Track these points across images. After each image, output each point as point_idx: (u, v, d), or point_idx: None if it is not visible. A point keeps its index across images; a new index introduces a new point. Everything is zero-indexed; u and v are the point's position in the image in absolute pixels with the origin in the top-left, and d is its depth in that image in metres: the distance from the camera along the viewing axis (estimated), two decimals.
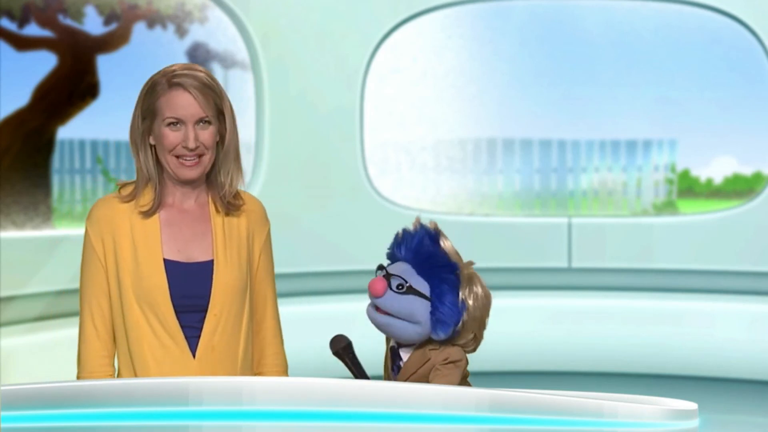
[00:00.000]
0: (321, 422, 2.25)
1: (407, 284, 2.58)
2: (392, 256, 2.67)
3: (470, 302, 2.59)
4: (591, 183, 7.49)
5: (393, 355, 2.65)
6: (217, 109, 2.78)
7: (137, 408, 2.25)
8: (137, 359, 2.76)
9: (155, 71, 2.82)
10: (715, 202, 7.42)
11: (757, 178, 7.20)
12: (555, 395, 2.28)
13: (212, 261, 2.79)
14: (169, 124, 2.74)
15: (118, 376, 2.79)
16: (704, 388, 6.25)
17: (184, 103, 2.73)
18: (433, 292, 2.58)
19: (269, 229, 2.93)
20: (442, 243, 2.63)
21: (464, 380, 2.65)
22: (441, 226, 2.72)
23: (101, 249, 2.78)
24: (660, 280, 6.63)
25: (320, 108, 6.50)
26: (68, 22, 6.53)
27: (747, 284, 6.55)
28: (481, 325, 2.65)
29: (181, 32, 6.78)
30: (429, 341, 2.61)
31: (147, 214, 2.78)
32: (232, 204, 2.84)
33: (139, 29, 6.67)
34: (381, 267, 2.64)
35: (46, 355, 5.48)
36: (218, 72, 7.01)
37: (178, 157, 2.75)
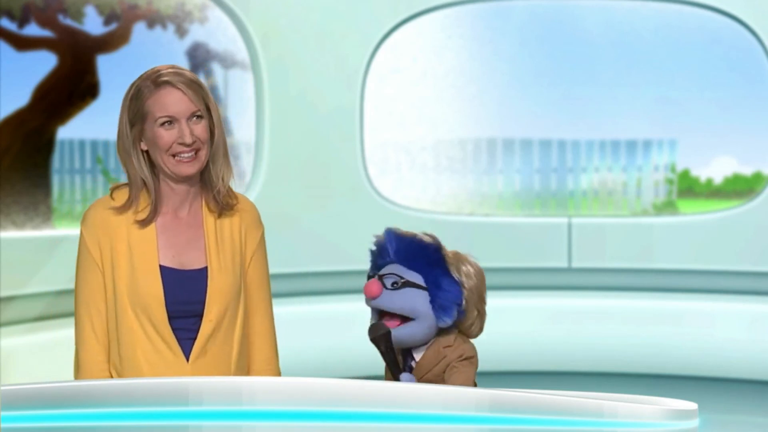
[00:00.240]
0: (321, 422, 2.25)
1: (402, 279, 2.58)
2: (376, 267, 2.67)
3: (464, 279, 2.60)
4: (591, 183, 7.49)
5: (405, 356, 2.65)
6: (205, 104, 2.78)
7: (137, 408, 2.25)
8: (131, 364, 2.76)
9: None
10: (715, 202, 7.42)
11: (757, 178, 7.19)
12: (555, 395, 2.28)
13: (206, 268, 2.79)
14: (162, 124, 2.74)
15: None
16: (704, 388, 6.24)
17: (174, 100, 2.73)
18: (427, 280, 2.59)
19: (263, 233, 2.92)
20: (414, 234, 2.65)
21: None
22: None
23: (98, 253, 2.77)
24: (660, 280, 6.62)
25: (320, 108, 6.50)
26: (68, 22, 6.53)
27: (747, 284, 6.55)
28: (481, 299, 2.66)
29: (181, 32, 6.78)
30: (441, 338, 2.61)
31: (145, 222, 2.78)
32: (225, 203, 2.84)
33: (139, 29, 6.67)
34: (371, 275, 2.65)
35: (46, 355, 5.48)
36: (218, 72, 7.01)
37: (174, 155, 2.75)
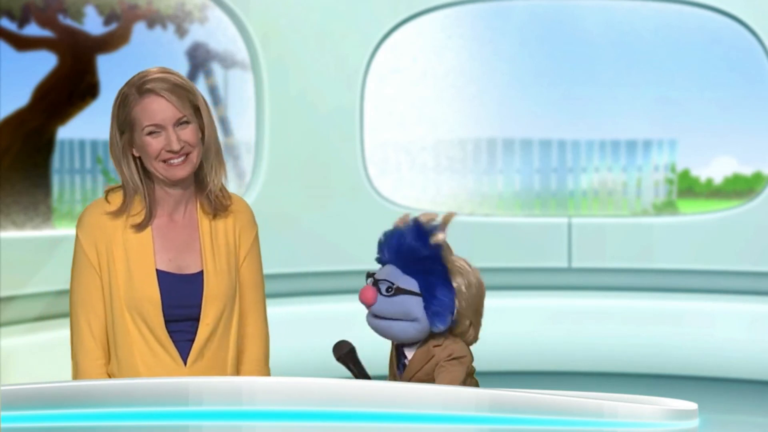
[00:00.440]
0: (321, 422, 2.25)
1: (395, 285, 2.59)
2: (379, 261, 2.68)
3: (464, 290, 2.60)
4: (591, 183, 7.49)
5: (398, 353, 2.66)
6: (193, 106, 2.77)
7: (137, 408, 2.25)
8: (128, 367, 2.76)
9: None
10: (715, 202, 7.42)
11: (757, 178, 7.19)
12: (555, 395, 2.28)
13: (202, 272, 2.79)
14: (149, 133, 2.73)
15: None
16: (704, 388, 6.24)
17: (159, 108, 2.72)
18: (421, 286, 2.59)
19: (257, 233, 2.91)
20: (429, 237, 2.63)
21: (470, 377, 2.66)
22: None
23: (95, 256, 2.77)
24: (660, 280, 6.62)
25: (320, 108, 6.50)
26: (68, 22, 6.53)
27: (747, 284, 6.55)
28: (477, 312, 2.66)
29: (181, 32, 6.78)
30: (431, 337, 2.62)
31: (140, 226, 2.78)
32: (219, 203, 2.84)
33: (139, 29, 6.67)
34: (369, 274, 2.65)
35: (46, 355, 5.48)
36: (218, 72, 7.01)
37: (165, 161, 2.74)
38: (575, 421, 2.26)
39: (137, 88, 2.74)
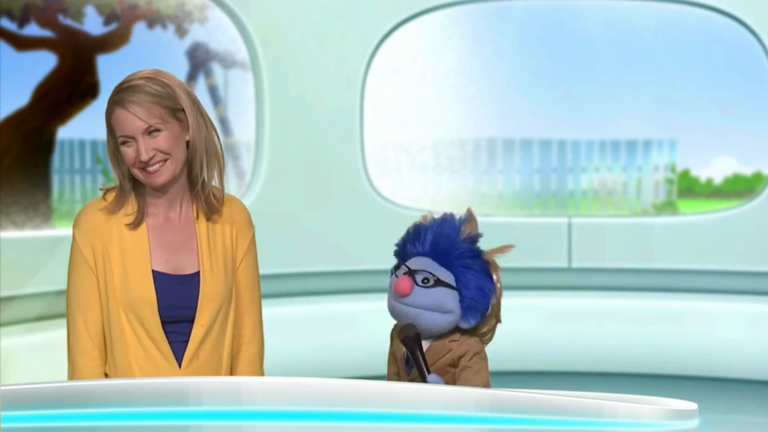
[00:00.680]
0: (321, 422, 2.25)
1: (434, 277, 2.59)
2: (404, 254, 2.67)
3: (499, 287, 2.63)
4: (591, 183, 7.49)
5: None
6: (173, 110, 2.75)
7: (137, 408, 2.25)
8: (122, 367, 2.76)
9: None
10: (715, 202, 7.42)
11: (757, 178, 7.19)
12: (555, 395, 2.28)
13: (198, 273, 2.79)
14: (122, 143, 2.75)
15: None
16: (704, 388, 6.24)
17: (125, 121, 2.73)
18: (458, 281, 2.60)
19: (253, 235, 2.91)
20: (463, 229, 2.64)
21: None
22: None
23: (91, 256, 2.77)
24: (660, 280, 6.62)
25: (320, 108, 6.50)
26: (68, 22, 6.53)
27: (747, 284, 6.55)
28: (499, 310, 2.69)
29: (181, 32, 6.78)
30: (449, 332, 2.62)
31: (133, 225, 2.78)
32: (212, 205, 2.83)
33: (139, 29, 6.67)
34: (398, 266, 2.64)
35: (46, 355, 5.47)
36: (218, 72, 7.01)
37: (141, 169, 2.75)
38: (575, 421, 2.26)
39: (111, 96, 2.76)
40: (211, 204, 2.83)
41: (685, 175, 7.55)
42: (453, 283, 2.59)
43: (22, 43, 6.47)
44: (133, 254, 2.76)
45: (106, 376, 2.79)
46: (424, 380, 2.57)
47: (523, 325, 6.48)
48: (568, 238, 6.66)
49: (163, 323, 2.75)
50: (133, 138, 2.72)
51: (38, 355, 5.52)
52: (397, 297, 2.60)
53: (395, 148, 7.24)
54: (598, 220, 6.89)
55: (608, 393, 2.39)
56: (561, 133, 7.44)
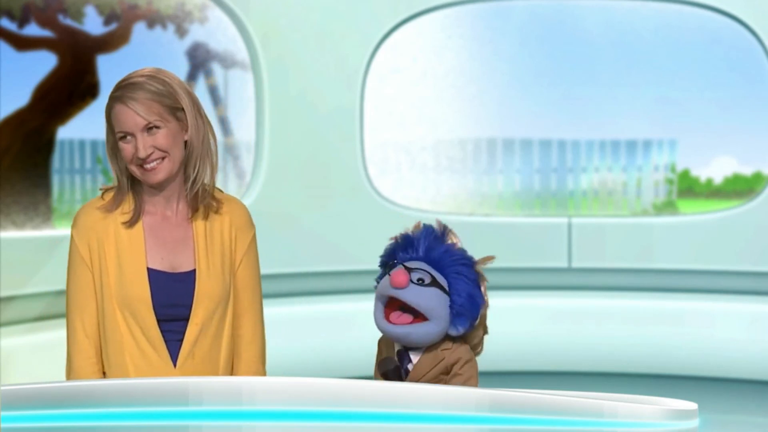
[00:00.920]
0: (321, 422, 2.25)
1: (431, 277, 2.59)
2: (392, 261, 2.66)
3: (486, 298, 2.63)
4: (591, 183, 7.49)
5: (401, 357, 2.65)
6: (172, 109, 2.76)
7: (137, 408, 2.25)
8: (117, 365, 2.76)
9: None
10: (715, 202, 7.42)
11: (757, 178, 7.19)
12: (555, 395, 2.28)
13: (194, 270, 2.79)
14: (121, 138, 2.75)
15: None
16: (704, 388, 6.24)
17: (124, 117, 2.73)
18: (451, 286, 2.59)
19: (254, 235, 2.90)
20: (450, 239, 2.65)
21: None
22: None
23: (87, 254, 2.78)
24: (660, 280, 6.62)
25: (320, 108, 6.50)
26: (68, 22, 6.53)
27: (747, 284, 6.55)
28: (485, 321, 2.69)
29: (181, 32, 6.78)
30: (441, 341, 2.62)
31: (129, 223, 2.79)
32: (208, 205, 2.83)
33: (139, 29, 6.67)
34: (390, 266, 2.64)
35: (46, 355, 5.47)
36: (218, 72, 7.01)
37: (138, 165, 2.76)
38: (575, 421, 2.26)
39: (112, 93, 2.77)
40: (208, 203, 2.83)
41: (685, 175, 7.55)
42: (446, 287, 2.60)
43: (22, 43, 6.47)
44: (129, 252, 2.76)
45: (103, 375, 2.79)
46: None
47: (523, 325, 6.48)
48: (568, 238, 6.66)
49: (160, 322, 2.75)
50: (132, 134, 2.73)
51: (38, 355, 5.52)
52: (391, 290, 2.59)
53: (395, 148, 7.24)
54: (598, 220, 6.89)
55: (608, 393, 2.38)
56: (561, 133, 7.44)
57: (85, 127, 6.76)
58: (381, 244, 2.73)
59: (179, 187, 2.82)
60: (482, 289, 2.64)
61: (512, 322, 6.39)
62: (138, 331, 2.74)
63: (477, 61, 7.19)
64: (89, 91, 6.61)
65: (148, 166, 2.74)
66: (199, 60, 6.95)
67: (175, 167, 2.78)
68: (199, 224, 2.82)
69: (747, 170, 7.37)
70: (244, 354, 2.88)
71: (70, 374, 2.80)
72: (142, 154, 2.72)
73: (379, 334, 2.68)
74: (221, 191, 2.90)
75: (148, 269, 2.76)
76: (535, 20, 7.20)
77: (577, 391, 2.34)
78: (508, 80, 7.25)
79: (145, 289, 2.74)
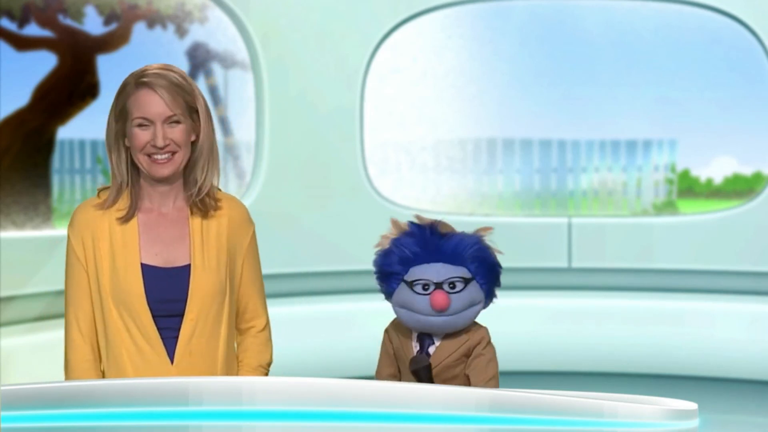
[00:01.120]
0: (321, 422, 2.25)
1: (460, 279, 2.63)
2: (402, 270, 2.67)
3: (495, 248, 2.68)
4: (591, 183, 7.49)
5: (423, 340, 2.66)
6: (189, 108, 2.78)
7: (137, 408, 2.25)
8: (115, 362, 2.76)
9: None
10: (715, 202, 7.42)
11: (757, 178, 7.19)
12: (555, 395, 2.28)
13: (189, 265, 2.79)
14: (138, 125, 2.74)
15: None
16: (704, 388, 6.24)
17: (150, 103, 2.74)
18: (474, 273, 2.64)
19: (254, 232, 2.91)
20: (443, 228, 2.69)
21: None
22: None
23: (82, 254, 2.78)
24: (660, 280, 6.62)
25: (320, 108, 6.50)
26: (68, 22, 6.53)
27: (747, 284, 6.55)
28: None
29: (181, 32, 6.78)
30: None
31: (124, 219, 2.79)
32: (208, 204, 2.84)
33: (139, 29, 6.67)
34: (412, 282, 2.64)
35: (46, 355, 5.47)
36: (218, 72, 7.01)
37: (149, 155, 2.75)
38: (575, 421, 2.26)
39: (136, 78, 2.76)
40: (205, 203, 2.84)
41: (685, 175, 7.55)
42: (469, 275, 2.64)
43: (22, 43, 6.47)
44: (122, 247, 2.77)
45: (100, 374, 2.79)
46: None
47: (523, 325, 6.48)
48: (568, 238, 6.66)
49: (156, 317, 2.75)
50: (152, 122, 2.73)
51: (38, 355, 5.52)
52: (432, 312, 2.61)
53: (395, 148, 7.24)
54: (598, 220, 6.89)
55: (608, 393, 2.39)
56: (561, 133, 7.43)
57: (85, 127, 6.76)
58: None
59: (178, 185, 2.83)
60: (493, 249, 2.69)
61: (512, 322, 6.38)
62: (134, 327, 2.74)
63: (477, 61, 7.19)
64: (89, 91, 6.61)
65: (159, 157, 2.75)
66: (199, 60, 6.95)
67: (181, 165, 2.79)
68: (196, 221, 2.82)
69: (747, 170, 7.37)
70: (254, 346, 2.90)
71: (66, 373, 2.81)
72: (160, 143, 2.72)
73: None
74: (219, 190, 2.91)
75: (142, 264, 2.76)
76: (535, 20, 7.20)
77: (577, 391, 2.34)
78: (508, 80, 7.25)
79: (138, 284, 2.74)
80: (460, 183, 7.40)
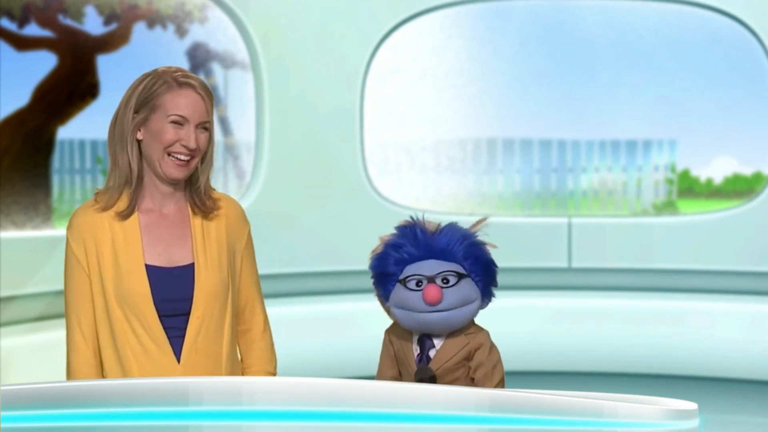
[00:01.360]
0: (321, 422, 2.25)
1: (453, 273, 2.62)
2: (398, 263, 2.67)
3: (489, 244, 2.68)
4: (591, 183, 7.49)
5: (423, 343, 2.66)
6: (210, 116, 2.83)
7: (137, 408, 2.25)
8: (121, 366, 2.76)
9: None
10: (715, 202, 7.42)
11: (757, 178, 7.19)
12: (555, 395, 2.28)
13: (193, 264, 2.79)
14: (173, 121, 2.74)
15: None
16: (704, 388, 6.24)
17: (191, 103, 2.75)
18: (468, 269, 2.64)
19: (249, 230, 2.93)
20: (430, 227, 2.69)
21: None
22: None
23: (83, 256, 2.78)
24: (660, 280, 6.62)
25: (320, 108, 6.50)
26: (68, 22, 6.53)
27: (747, 284, 6.55)
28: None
29: (181, 32, 6.78)
30: (465, 326, 2.66)
31: (124, 215, 2.78)
32: (207, 204, 2.85)
33: (139, 29, 6.67)
34: (404, 279, 2.64)
35: (46, 355, 5.47)
36: (218, 72, 7.01)
37: (170, 154, 2.76)
38: (575, 421, 2.26)
39: (175, 77, 2.76)
40: (206, 203, 2.84)
41: (685, 175, 7.55)
42: (463, 271, 2.64)
43: (22, 43, 6.47)
44: (125, 249, 2.77)
45: (102, 377, 2.79)
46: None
47: (523, 325, 6.48)
48: (568, 238, 6.66)
49: (162, 317, 2.75)
50: (188, 122, 2.74)
51: (38, 355, 5.52)
52: (425, 308, 2.61)
53: (395, 148, 7.24)
54: (598, 220, 6.89)
55: (608, 393, 2.38)
56: (561, 133, 7.43)
57: (85, 127, 6.76)
58: None
59: (181, 187, 2.84)
60: (485, 244, 2.68)
61: (512, 322, 6.39)
62: (140, 327, 2.75)
63: (477, 61, 7.19)
64: (89, 91, 6.61)
65: (182, 158, 2.76)
66: (199, 60, 6.95)
67: (192, 171, 2.80)
68: (197, 221, 2.83)
69: (747, 170, 7.37)
70: (257, 344, 2.90)
71: (68, 376, 2.81)
72: (192, 144, 2.74)
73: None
74: (214, 189, 2.92)
75: (146, 265, 2.76)
76: (535, 20, 7.20)
77: (577, 391, 2.34)
78: (508, 80, 7.25)
79: (144, 285, 2.74)
80: (460, 183, 7.40)
